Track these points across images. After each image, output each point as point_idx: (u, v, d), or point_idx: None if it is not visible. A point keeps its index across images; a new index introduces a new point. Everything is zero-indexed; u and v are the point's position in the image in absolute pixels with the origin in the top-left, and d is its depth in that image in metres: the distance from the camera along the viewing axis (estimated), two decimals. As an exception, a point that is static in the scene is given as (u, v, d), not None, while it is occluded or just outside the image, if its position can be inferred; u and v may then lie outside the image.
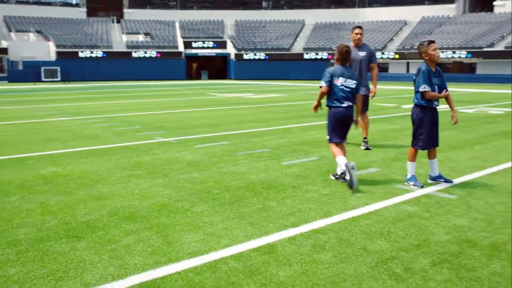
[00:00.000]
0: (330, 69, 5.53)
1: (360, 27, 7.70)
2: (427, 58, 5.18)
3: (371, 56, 7.72)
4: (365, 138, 7.88)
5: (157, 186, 5.39)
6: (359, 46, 7.73)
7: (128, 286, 2.95)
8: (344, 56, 5.49)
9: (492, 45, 43.94)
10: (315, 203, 4.69)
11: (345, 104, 5.44)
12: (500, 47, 43.77)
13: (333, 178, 5.66)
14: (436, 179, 5.46)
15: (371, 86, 7.88)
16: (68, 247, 3.58)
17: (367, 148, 7.75)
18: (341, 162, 5.24)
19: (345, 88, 5.43)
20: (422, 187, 5.24)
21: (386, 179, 5.66)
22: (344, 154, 5.53)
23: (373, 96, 7.84)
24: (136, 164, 6.62)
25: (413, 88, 5.33)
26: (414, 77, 5.28)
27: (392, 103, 18.11)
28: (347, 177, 5.11)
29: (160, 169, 6.29)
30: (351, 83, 5.44)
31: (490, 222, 4.12)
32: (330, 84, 5.42)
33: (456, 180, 5.55)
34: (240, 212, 4.41)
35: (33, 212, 4.43)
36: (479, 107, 15.99)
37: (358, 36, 7.62)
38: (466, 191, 5.13)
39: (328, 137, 5.59)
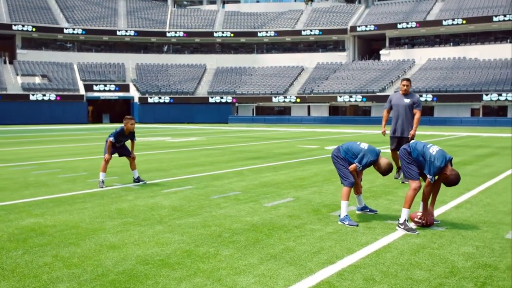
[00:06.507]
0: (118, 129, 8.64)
1: (406, 79, 8.79)
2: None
3: (414, 103, 8.76)
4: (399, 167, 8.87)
5: (163, 232, 5.34)
6: (406, 94, 8.84)
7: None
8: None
9: (383, 89, 47.98)
10: (330, 240, 4.98)
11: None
12: (390, 91, 47.88)
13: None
14: (363, 209, 6.24)
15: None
16: (130, 298, 3.51)
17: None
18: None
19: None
20: (357, 225, 5.55)
21: (371, 216, 6.11)
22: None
23: (411, 138, 8.66)
24: (119, 211, 6.46)
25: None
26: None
27: (313, 144, 19.08)
28: None
29: (149, 215, 6.21)
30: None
31: (491, 249, 4.68)
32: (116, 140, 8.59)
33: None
34: (269, 253, 4.56)
35: (55, 266, 4.22)
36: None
37: (404, 87, 8.76)
38: (448, 223, 5.72)
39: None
